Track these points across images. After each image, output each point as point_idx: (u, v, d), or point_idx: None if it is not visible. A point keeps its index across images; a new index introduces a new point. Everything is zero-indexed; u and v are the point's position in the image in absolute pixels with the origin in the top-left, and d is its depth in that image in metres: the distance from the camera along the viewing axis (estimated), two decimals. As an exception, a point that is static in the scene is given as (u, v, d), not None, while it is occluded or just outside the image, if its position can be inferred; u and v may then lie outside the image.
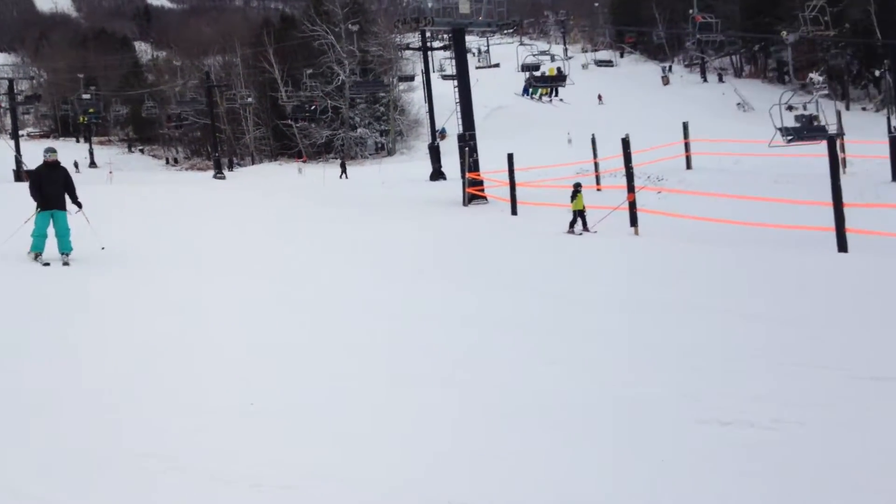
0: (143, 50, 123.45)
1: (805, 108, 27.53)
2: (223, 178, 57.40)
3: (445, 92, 44.92)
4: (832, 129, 27.52)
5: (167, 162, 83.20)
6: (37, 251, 12.95)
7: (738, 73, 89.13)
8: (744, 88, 79.18)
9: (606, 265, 14.79)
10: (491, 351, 8.08)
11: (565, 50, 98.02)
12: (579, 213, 20.17)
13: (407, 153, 71.14)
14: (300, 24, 75.93)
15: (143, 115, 75.78)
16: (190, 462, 5.14)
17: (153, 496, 4.70)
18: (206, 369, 7.34)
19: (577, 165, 33.39)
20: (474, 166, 29.72)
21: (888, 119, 29.96)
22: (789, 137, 26.34)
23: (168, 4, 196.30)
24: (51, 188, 13.17)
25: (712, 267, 13.95)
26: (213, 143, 64.90)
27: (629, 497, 4.64)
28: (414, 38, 53.81)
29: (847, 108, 50.59)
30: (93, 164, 68.72)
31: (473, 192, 29.01)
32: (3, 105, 63.37)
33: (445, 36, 44.86)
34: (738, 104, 73.76)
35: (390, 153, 72.19)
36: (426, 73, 46.73)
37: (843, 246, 15.71)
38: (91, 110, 69.73)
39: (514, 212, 25.05)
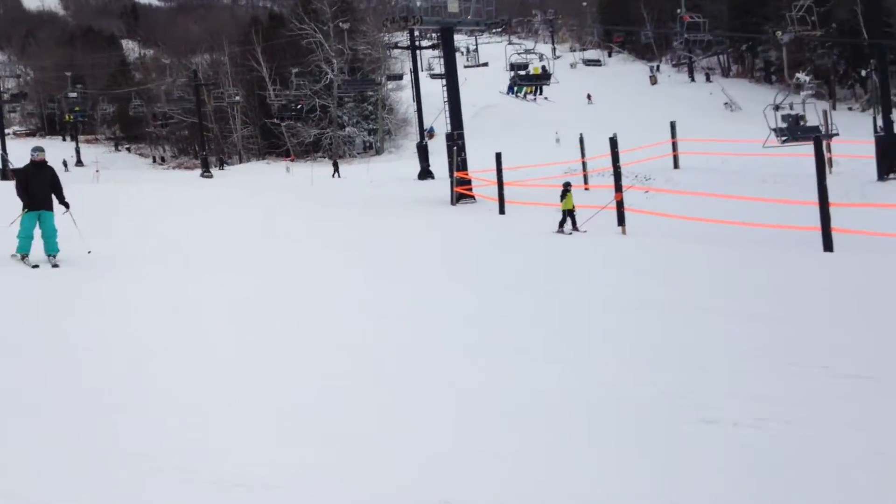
0: (131, 48, 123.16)
1: (792, 107, 27.69)
2: (210, 176, 57.27)
3: (434, 91, 45.04)
4: (825, 130, 27.74)
5: (154, 161, 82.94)
6: (23, 252, 12.71)
7: (726, 73, 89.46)
8: (731, 88, 79.46)
9: (597, 265, 14.82)
10: (487, 350, 8.09)
11: (553, 49, 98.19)
12: (569, 213, 20.20)
13: (395, 152, 71.12)
14: (288, 22, 75.80)
15: (131, 114, 75.63)
16: (178, 462, 5.14)
17: (142, 496, 4.70)
18: (195, 369, 7.34)
19: (565, 165, 33.46)
20: (462, 165, 29.75)
21: (874, 119, 30.08)
22: (784, 138, 26.49)
23: (155, 2, 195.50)
24: (38, 188, 12.88)
25: (699, 267, 14.00)
26: (201, 141, 64.79)
27: (631, 497, 4.66)
28: (402, 37, 53.85)
29: (833, 108, 50.79)
30: (79, 162, 68.44)
31: (461, 192, 29.04)
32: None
33: (434, 35, 44.87)
34: (726, 104, 74.02)
35: (378, 152, 72.13)
36: (414, 71, 46.74)
37: (828, 245, 15.79)
38: (77, 108, 69.52)
39: (501, 211, 25.09)
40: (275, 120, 66.95)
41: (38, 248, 12.84)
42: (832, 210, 16.13)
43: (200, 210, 23.68)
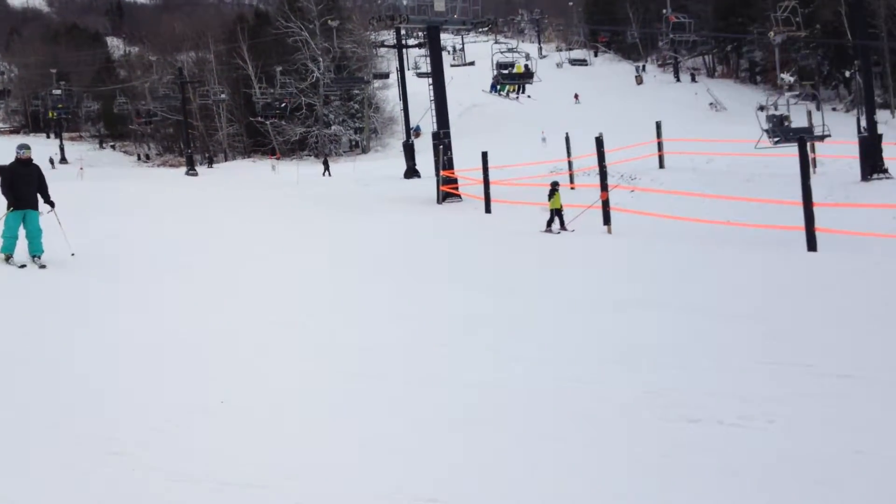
0: (116, 45, 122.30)
1: (781, 107, 27.81)
2: (195, 174, 57.06)
3: (420, 90, 45.02)
4: (817, 131, 27.89)
5: (139, 158, 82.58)
6: (7, 253, 12.48)
7: (711, 73, 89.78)
8: (716, 88, 79.76)
9: (582, 264, 14.84)
10: (469, 349, 8.11)
11: (539, 49, 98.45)
12: (556, 212, 20.21)
13: (381, 151, 71.09)
14: (274, 20, 75.59)
15: (115, 111, 75.21)
16: (154, 461, 5.15)
17: (117, 496, 4.70)
18: (175, 368, 7.34)
19: (551, 164, 33.50)
20: (448, 164, 29.76)
21: (858, 120, 30.29)
22: (776, 139, 26.61)
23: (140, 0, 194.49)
24: (24, 187, 12.56)
25: (684, 266, 14.04)
26: (186, 139, 64.55)
27: (616, 496, 4.69)
28: (389, 36, 53.82)
29: (818, 109, 51.08)
30: (63, 160, 68.01)
31: (447, 190, 29.04)
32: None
33: (420, 34, 44.82)
34: (711, 104, 74.29)
35: (365, 151, 72.08)
36: (401, 70, 46.70)
37: (812, 245, 15.87)
38: (60, 105, 69.07)
39: (487, 210, 25.10)
40: (259, 118, 66.80)
41: (20, 247, 12.65)
42: (816, 210, 16.21)
43: (186, 210, 23.57)
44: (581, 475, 4.95)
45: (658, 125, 33.56)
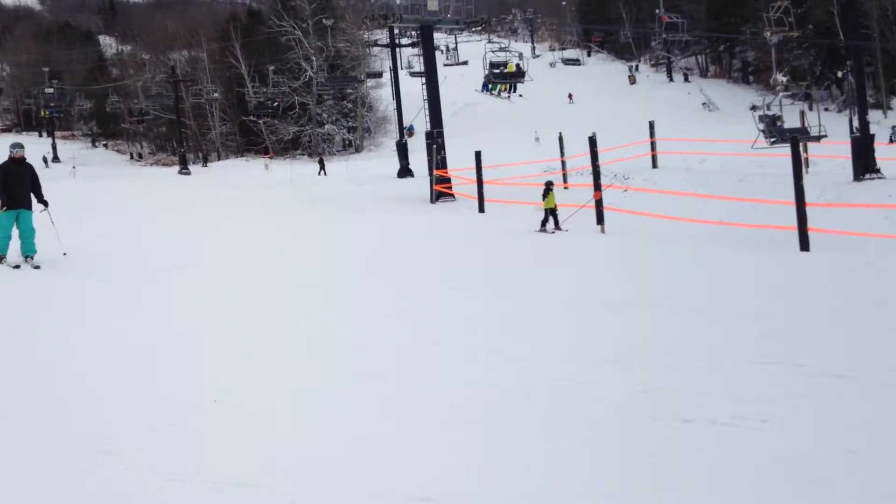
0: (108, 44, 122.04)
1: (774, 107, 27.85)
2: (188, 173, 56.97)
3: (413, 89, 44.99)
4: (814, 132, 27.93)
5: (131, 157, 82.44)
6: (0, 254, 12.34)
7: (704, 73, 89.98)
8: (709, 88, 79.93)
9: (576, 264, 14.84)
10: (463, 349, 8.10)
11: (533, 48, 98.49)
12: (551, 212, 20.20)
13: (375, 150, 71.08)
14: (267, 19, 75.51)
15: (108, 110, 75.01)
16: (147, 460, 5.14)
17: (110, 495, 4.69)
18: (168, 367, 7.33)
19: (544, 163, 33.52)
20: (442, 164, 29.76)
21: (850, 120, 30.33)
22: (773, 139, 26.64)
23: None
24: (17, 186, 12.41)
25: (677, 266, 14.05)
26: (179, 138, 64.41)
27: (609, 496, 4.68)
28: (382, 35, 53.79)
29: (810, 109, 51.18)
30: (56, 158, 67.84)
31: (441, 190, 29.04)
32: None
33: (414, 33, 44.85)
34: (704, 104, 74.44)
35: (358, 150, 72.07)
36: (394, 70, 46.73)
37: (805, 245, 15.90)
38: (52, 104, 68.91)
39: (481, 209, 25.10)
40: (252, 117, 66.74)
41: (13, 248, 12.59)
42: (809, 210, 16.24)
43: (179, 209, 23.53)
44: (574, 475, 4.95)
45: (651, 125, 33.57)
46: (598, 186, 20.28)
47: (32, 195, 12.74)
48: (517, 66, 38.32)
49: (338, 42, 70.10)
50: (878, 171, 28.34)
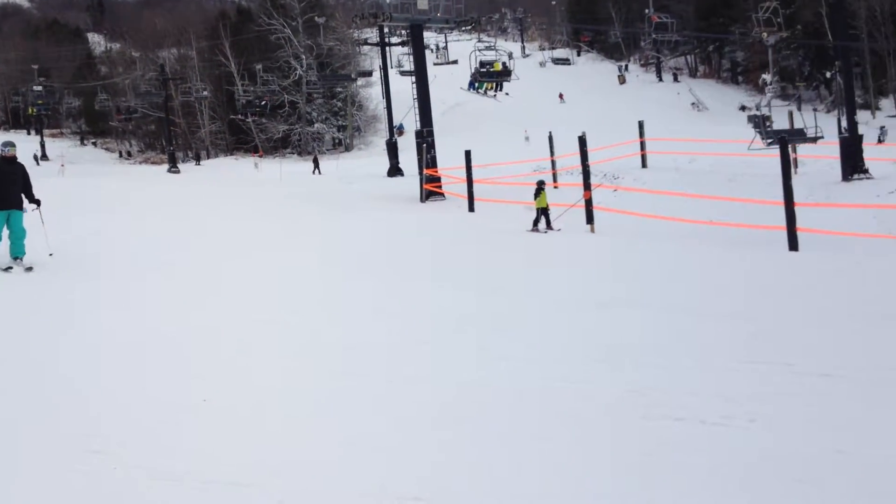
0: (97, 41, 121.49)
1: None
2: (178, 172, 56.80)
3: (403, 88, 44.94)
4: (810, 133, 28.07)
5: (120, 155, 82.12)
6: None
7: (693, 73, 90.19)
8: (698, 88, 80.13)
9: (566, 263, 14.86)
10: (453, 348, 8.11)
11: (523, 48, 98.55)
12: (543, 211, 20.19)
13: (364, 149, 70.98)
14: (257, 17, 75.31)
15: (96, 108, 74.70)
16: (136, 459, 5.12)
17: (98, 494, 4.68)
18: (158, 366, 7.30)
19: (534, 163, 33.56)
20: (432, 163, 29.76)
21: (838, 120, 30.48)
22: (769, 140, 26.76)
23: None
24: (8, 186, 12.06)
25: (666, 265, 14.09)
26: (168, 136, 64.18)
27: (600, 495, 4.69)
28: (372, 34, 53.74)
29: (798, 109, 51.37)
30: (44, 156, 67.51)
31: (431, 189, 29.04)
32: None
33: (403, 32, 44.83)
34: (693, 104, 74.62)
35: (348, 149, 71.97)
36: (384, 68, 46.70)
37: (793, 245, 15.96)
38: (40, 102, 68.58)
39: (471, 208, 25.10)
40: (240, 116, 66.61)
41: (2, 249, 12.36)
42: (797, 210, 16.30)
43: (168, 207, 23.47)
44: (564, 473, 4.96)
45: (640, 124, 33.67)
46: (587, 186, 20.30)
47: (24, 195, 12.39)
48: (503, 64, 38.44)
49: (328, 40, 70.02)
50: (866, 171, 28.50)
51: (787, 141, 18.14)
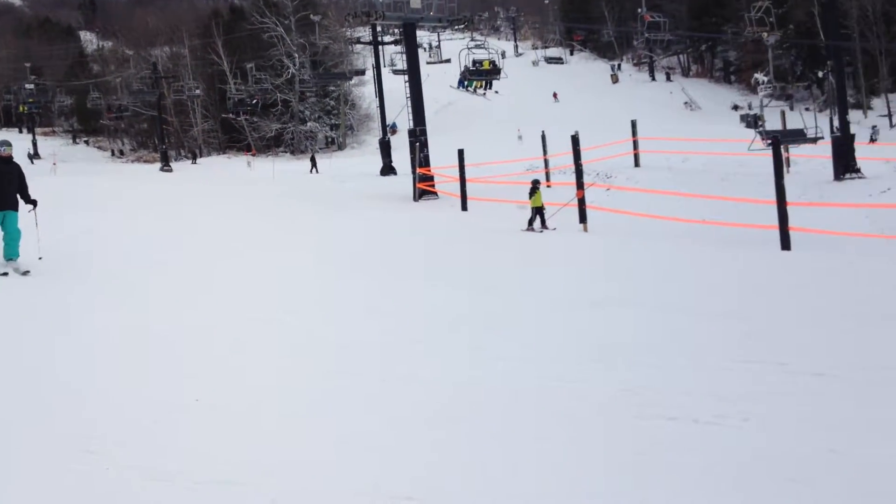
0: (89, 40, 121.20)
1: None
2: (170, 170, 56.69)
3: (396, 87, 44.97)
4: (810, 133, 28.14)
5: (112, 154, 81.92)
6: None
7: (686, 73, 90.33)
8: (691, 87, 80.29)
9: (559, 262, 14.87)
10: (447, 347, 8.11)
11: (515, 46, 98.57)
12: (538, 210, 20.16)
13: (357, 147, 70.94)
14: (249, 15, 75.19)
15: (89, 106, 74.47)
16: (129, 459, 5.11)
17: (91, 494, 4.67)
18: (151, 365, 7.29)
19: (528, 162, 33.57)
20: (425, 161, 29.76)
21: (830, 120, 30.59)
22: (769, 141, 26.84)
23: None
24: (4, 186, 11.80)
25: (659, 264, 14.11)
26: (160, 135, 64.00)
27: (594, 495, 4.69)
28: (365, 32, 53.67)
29: (791, 109, 51.51)
30: (36, 154, 67.32)
31: (424, 188, 29.03)
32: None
33: (396, 30, 44.79)
34: (686, 103, 74.76)
35: (341, 147, 71.92)
36: (377, 67, 46.66)
37: (786, 244, 15.99)
38: (31, 100, 68.37)
39: (464, 207, 25.10)
40: (231, 115, 66.48)
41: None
42: (790, 209, 16.33)
43: (161, 206, 23.42)
44: (558, 472, 4.96)
45: (633, 124, 33.70)
46: (580, 185, 20.30)
47: (19, 196, 12.15)
48: (492, 63, 38.47)
49: (320, 39, 69.92)
50: (858, 170, 28.60)
51: (780, 141, 18.16)
